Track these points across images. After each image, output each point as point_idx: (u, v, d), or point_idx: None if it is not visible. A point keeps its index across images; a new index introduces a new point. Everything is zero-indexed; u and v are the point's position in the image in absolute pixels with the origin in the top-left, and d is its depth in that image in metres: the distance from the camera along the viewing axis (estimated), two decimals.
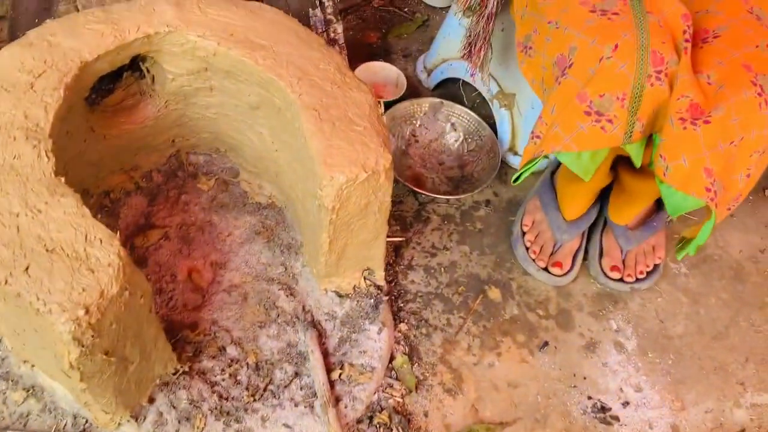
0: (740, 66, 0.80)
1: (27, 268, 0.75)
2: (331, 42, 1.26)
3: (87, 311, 0.73)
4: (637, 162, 0.87)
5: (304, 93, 0.96)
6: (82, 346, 0.75)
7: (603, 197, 1.23)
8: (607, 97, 0.80)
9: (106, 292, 0.75)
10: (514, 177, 0.96)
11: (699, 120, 0.78)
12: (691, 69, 0.79)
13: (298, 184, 1.09)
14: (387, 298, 1.12)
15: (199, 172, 1.25)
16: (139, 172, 1.21)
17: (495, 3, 1.11)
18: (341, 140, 0.92)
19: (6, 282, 0.74)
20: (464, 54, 1.20)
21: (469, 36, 1.17)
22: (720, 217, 0.85)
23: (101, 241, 0.78)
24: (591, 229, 1.25)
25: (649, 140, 0.85)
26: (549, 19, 0.88)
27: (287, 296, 1.12)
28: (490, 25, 1.14)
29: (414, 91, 1.46)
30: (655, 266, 1.24)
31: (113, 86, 1.13)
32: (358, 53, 1.45)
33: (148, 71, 1.11)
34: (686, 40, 0.80)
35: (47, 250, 0.77)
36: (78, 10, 1.19)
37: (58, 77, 0.92)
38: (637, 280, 1.22)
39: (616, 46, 0.79)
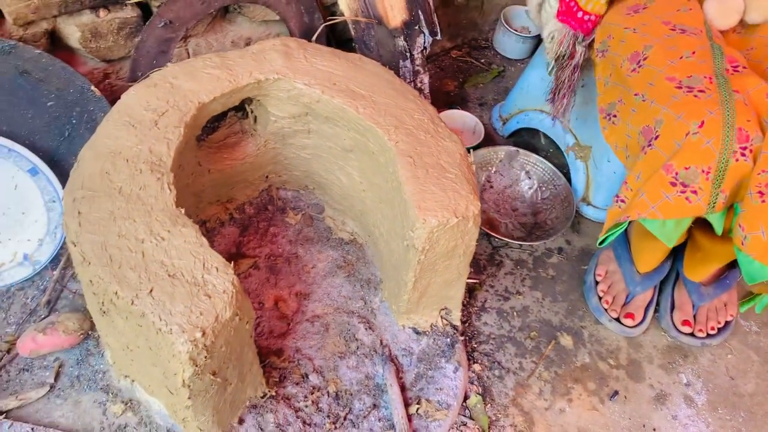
0: None
1: (151, 291, 0.82)
2: (419, 91, 1.33)
3: (204, 333, 0.79)
4: (719, 230, 0.90)
5: (400, 141, 1.02)
6: (196, 366, 0.81)
7: (676, 251, 1.25)
8: (692, 170, 0.84)
9: (220, 317, 0.81)
10: (599, 240, 0.99)
11: None
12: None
13: (383, 223, 1.15)
14: (462, 338, 1.16)
15: (287, 207, 1.32)
16: (233, 204, 1.28)
17: (581, 55, 1.16)
18: (434, 186, 0.97)
19: (132, 302, 0.81)
20: (549, 99, 1.24)
21: (555, 84, 1.22)
22: None
23: (217, 269, 0.85)
24: (663, 283, 1.27)
25: (730, 208, 0.88)
26: (636, 92, 0.92)
27: (366, 329, 1.17)
28: (575, 74, 1.19)
29: (489, 138, 1.51)
30: (727, 323, 1.24)
31: (218, 124, 1.21)
32: (437, 100, 1.51)
33: (251, 112, 1.19)
34: None
35: (169, 275, 0.83)
36: (189, 55, 1.29)
37: (179, 116, 1.00)
38: (708, 335, 1.23)
39: (702, 123, 0.83)
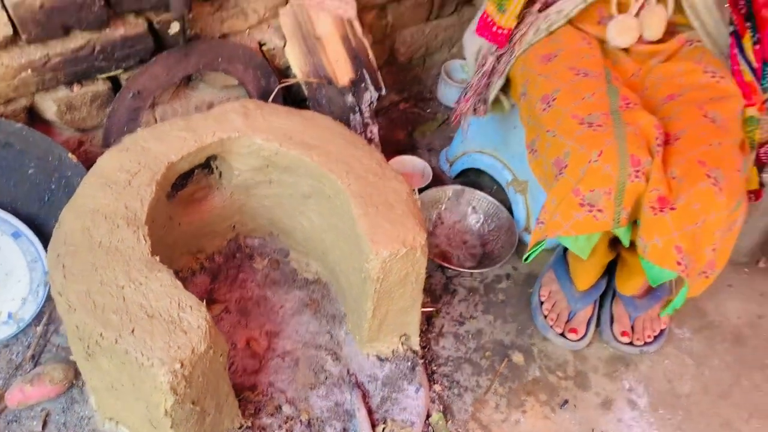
0: (696, 162, 0.97)
1: (132, 330, 0.90)
2: (369, 140, 1.45)
3: (182, 365, 0.88)
4: (625, 242, 1.03)
5: (352, 183, 1.13)
6: (177, 395, 0.89)
7: (611, 270, 1.37)
8: (596, 192, 0.97)
9: (196, 349, 0.90)
10: (524, 257, 1.12)
11: (666, 208, 0.95)
12: (662, 167, 0.97)
13: (343, 260, 1.25)
14: (422, 361, 1.25)
15: (254, 253, 1.42)
16: (203, 254, 1.38)
17: (491, 64, 1.29)
18: (384, 221, 1.08)
19: (116, 342, 0.90)
20: (456, 102, 1.38)
21: (468, 91, 1.35)
22: (697, 287, 1.01)
23: (191, 307, 0.94)
24: (602, 299, 1.39)
25: (634, 223, 1.01)
26: (547, 128, 1.06)
27: (334, 361, 1.25)
28: (483, 80, 1.32)
29: (438, 180, 1.64)
30: (661, 331, 1.36)
31: (186, 181, 1.32)
32: (389, 148, 1.64)
33: (216, 168, 1.30)
34: (658, 145, 0.98)
35: (148, 316, 0.92)
36: (156, 120, 1.40)
37: (150, 175, 1.11)
38: (646, 343, 1.34)
39: (601, 152, 0.97)
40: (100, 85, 1.26)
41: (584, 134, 1.00)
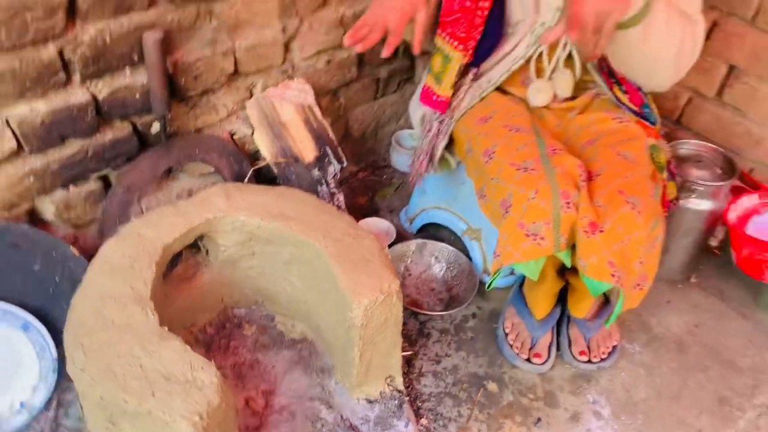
0: (616, 192, 1.18)
1: (153, 393, 1.02)
2: (337, 207, 1.62)
3: (201, 417, 1.00)
4: (567, 263, 1.21)
5: (329, 246, 1.29)
6: None
7: (564, 298, 1.54)
8: (537, 224, 1.16)
9: (212, 403, 1.02)
10: (487, 285, 1.29)
11: (596, 231, 1.14)
12: (588, 199, 1.17)
13: (327, 317, 1.39)
14: (407, 399, 1.39)
15: (242, 322, 1.54)
16: (196, 327, 1.50)
17: (436, 128, 1.49)
18: (361, 275, 1.24)
19: (140, 404, 1.01)
20: (410, 165, 1.56)
21: (419, 155, 1.54)
22: (633, 298, 1.19)
23: (202, 367, 1.07)
24: (559, 325, 1.55)
25: (573, 248, 1.20)
26: (492, 176, 1.26)
27: (327, 409, 1.37)
28: (432, 143, 1.50)
29: (401, 236, 1.81)
30: (614, 347, 1.53)
31: (177, 261, 1.45)
32: (354, 213, 1.79)
33: (203, 246, 1.44)
34: (582, 180, 1.18)
35: (165, 378, 1.05)
36: (142, 211, 1.55)
37: (149, 258, 1.24)
38: (602, 360, 1.50)
39: (537, 191, 1.17)
40: (93, 184, 1.40)
41: (522, 178, 1.20)
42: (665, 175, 1.35)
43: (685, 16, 1.23)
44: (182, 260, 1.45)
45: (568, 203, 1.15)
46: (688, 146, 1.69)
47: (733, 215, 1.67)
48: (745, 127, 1.75)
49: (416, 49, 1.31)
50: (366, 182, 2.02)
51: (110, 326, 1.12)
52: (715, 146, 1.68)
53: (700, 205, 1.61)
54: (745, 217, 1.68)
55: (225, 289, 1.50)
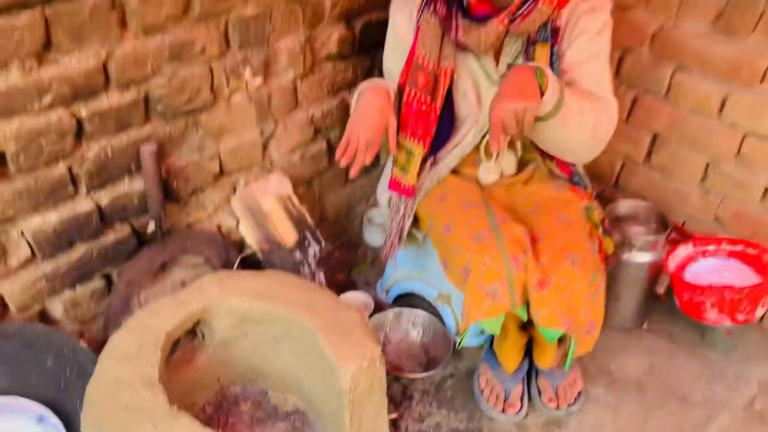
0: (558, 251, 1.37)
1: None
2: (320, 284, 1.78)
3: None
4: (524, 317, 1.39)
5: (315, 321, 1.44)
6: None
7: (530, 351, 1.70)
8: (494, 285, 1.34)
9: None
10: (458, 344, 1.45)
11: (544, 287, 1.32)
12: (534, 259, 1.35)
13: (317, 388, 1.52)
14: None
15: (238, 399, 1.66)
16: (196, 407, 1.61)
17: (402, 211, 1.67)
18: (346, 345, 1.39)
19: None
20: (383, 245, 1.73)
21: (387, 233, 1.71)
22: (585, 343, 1.36)
23: None
24: (528, 376, 1.71)
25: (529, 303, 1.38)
26: (452, 247, 1.44)
27: None
28: (400, 224, 1.67)
29: (379, 307, 1.97)
30: (579, 393, 1.69)
31: (176, 347, 1.58)
32: (333, 289, 1.95)
33: (200, 331, 1.57)
34: (528, 244, 1.37)
35: None
36: (140, 303, 1.68)
37: (154, 345, 1.38)
38: (569, 405, 1.65)
39: (491, 257, 1.35)
40: (97, 282, 1.55)
41: (476, 246, 1.39)
42: (600, 231, 1.55)
43: (597, 100, 1.47)
44: (181, 345, 1.58)
45: (517, 265, 1.33)
46: (626, 206, 1.91)
47: (672, 264, 1.87)
48: (673, 186, 1.98)
49: (393, 150, 1.51)
50: (343, 260, 2.19)
51: (124, 409, 1.24)
52: (648, 204, 1.90)
53: (641, 257, 1.82)
54: (683, 265, 1.88)
55: (221, 369, 1.63)
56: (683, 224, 2.00)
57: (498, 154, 1.55)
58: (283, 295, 1.51)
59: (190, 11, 1.44)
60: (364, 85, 1.59)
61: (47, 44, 1.24)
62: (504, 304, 1.33)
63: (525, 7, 1.43)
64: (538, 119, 1.36)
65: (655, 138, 1.96)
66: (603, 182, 2.11)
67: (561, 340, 1.50)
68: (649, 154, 1.99)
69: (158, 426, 1.21)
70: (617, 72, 1.94)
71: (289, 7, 1.64)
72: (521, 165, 1.66)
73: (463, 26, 1.47)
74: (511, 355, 1.64)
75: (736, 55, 1.70)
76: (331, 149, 1.99)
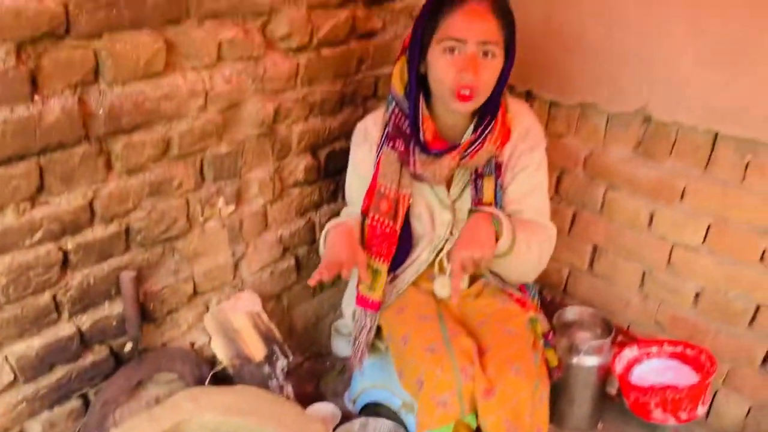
0: (503, 362, 1.50)
1: None
2: (287, 398, 1.87)
3: None
4: (473, 425, 1.49)
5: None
6: None
7: None
8: (445, 394, 1.45)
9: None
10: None
11: (491, 395, 1.44)
12: (482, 370, 1.48)
13: None
14: None
15: None
16: None
17: (367, 324, 1.78)
18: None
19: None
20: (351, 356, 1.83)
21: (355, 344, 1.82)
22: None
23: None
24: None
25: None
26: (407, 359, 1.56)
27: None
28: (368, 336, 1.77)
29: (346, 416, 2.05)
30: None
31: None
32: (302, 400, 2.04)
33: None
34: (476, 356, 1.50)
35: None
36: (115, 421, 1.75)
37: None
38: None
39: (442, 368, 1.48)
40: (74, 402, 1.62)
41: (429, 358, 1.51)
42: (542, 343, 1.69)
43: (541, 230, 1.67)
44: None
45: (466, 376, 1.46)
46: (572, 312, 2.06)
47: (619, 366, 2.00)
48: (616, 292, 2.14)
49: (364, 278, 1.66)
50: (312, 371, 2.28)
51: None
52: (593, 310, 2.06)
53: (589, 361, 1.95)
54: (629, 367, 2.01)
55: None
56: (628, 328, 2.15)
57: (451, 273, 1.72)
58: (253, 408, 1.61)
59: (170, 151, 1.61)
60: (331, 225, 1.77)
61: (40, 188, 1.39)
62: (454, 413, 1.44)
63: (474, 145, 1.64)
64: (494, 256, 1.57)
65: (595, 249, 2.15)
66: (553, 289, 2.28)
67: None
68: (591, 263, 2.17)
69: None
70: (557, 190, 2.15)
71: (259, 143, 1.83)
72: (473, 279, 1.82)
73: (420, 160, 1.67)
74: None
75: (657, 177, 1.92)
76: (299, 265, 2.13)
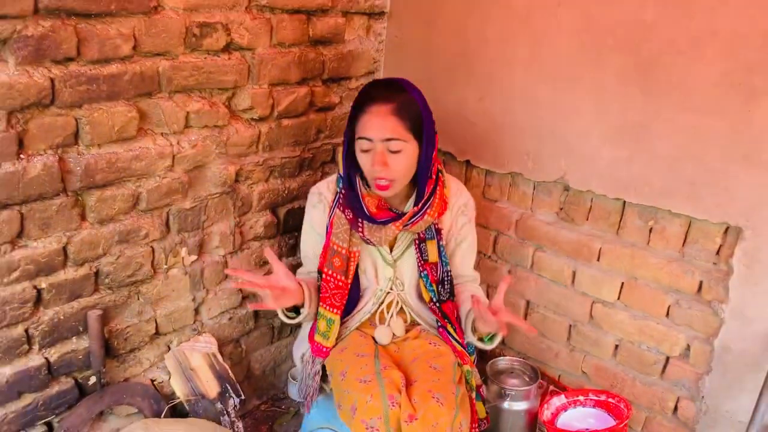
0: (426, 392, 1.67)
1: None
2: None
3: None
4: None
5: None
6: None
7: None
8: (373, 419, 1.61)
9: None
10: None
11: (413, 420, 1.61)
12: (408, 399, 1.65)
13: None
14: None
15: None
16: None
17: (316, 368, 1.94)
18: None
19: None
20: (302, 398, 1.99)
21: (305, 388, 1.98)
22: None
23: None
24: None
25: None
26: (344, 389, 1.73)
27: None
28: (315, 379, 1.94)
29: None
30: None
31: None
32: None
33: None
34: (403, 386, 1.68)
35: None
36: None
37: None
38: None
39: (372, 396, 1.65)
40: (39, 429, 1.78)
41: (362, 388, 1.68)
42: (474, 394, 1.87)
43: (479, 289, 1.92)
44: None
45: (393, 403, 1.63)
46: (504, 361, 2.24)
47: (548, 413, 2.16)
48: (547, 344, 2.33)
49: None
50: (268, 413, 2.43)
51: None
52: (523, 360, 2.24)
53: (516, 405, 2.12)
54: (557, 413, 2.17)
55: None
56: (559, 378, 2.32)
57: (391, 317, 1.93)
58: None
59: (138, 205, 1.83)
60: None
61: (20, 233, 1.60)
62: None
63: (416, 216, 1.86)
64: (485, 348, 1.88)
65: (528, 303, 2.34)
66: None
67: None
68: (525, 316, 2.36)
69: None
70: (494, 249, 2.36)
71: (221, 200, 2.06)
72: (410, 327, 2.01)
73: (368, 227, 1.89)
74: None
75: (576, 239, 2.14)
76: (257, 312, 2.32)
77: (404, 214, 1.87)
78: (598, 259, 2.11)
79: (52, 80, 1.54)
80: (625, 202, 2.01)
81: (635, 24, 1.84)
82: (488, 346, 1.88)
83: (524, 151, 2.18)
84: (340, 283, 1.92)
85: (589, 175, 2.05)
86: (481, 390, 1.96)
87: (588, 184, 2.06)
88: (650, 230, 1.98)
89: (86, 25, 1.58)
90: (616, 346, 2.16)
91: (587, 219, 2.12)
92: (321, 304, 1.93)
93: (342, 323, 2.00)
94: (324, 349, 1.94)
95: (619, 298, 2.10)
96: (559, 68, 2.03)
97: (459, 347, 1.93)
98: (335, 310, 1.93)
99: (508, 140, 2.21)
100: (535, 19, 2.05)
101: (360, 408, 1.65)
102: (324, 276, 1.93)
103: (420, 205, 1.86)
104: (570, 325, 2.25)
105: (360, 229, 1.88)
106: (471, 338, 1.90)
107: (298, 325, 2.21)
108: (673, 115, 1.83)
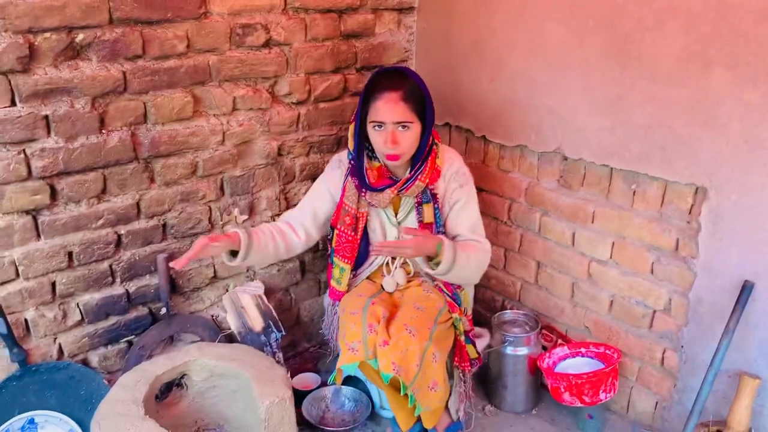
0: (402, 325, 1.96)
1: None
2: (278, 362, 2.42)
3: None
4: (375, 367, 1.96)
5: (252, 373, 2.08)
6: None
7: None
8: (354, 342, 1.94)
9: None
10: (330, 380, 2.04)
11: (386, 344, 1.91)
12: (385, 328, 1.95)
13: (252, 423, 2.12)
14: None
15: None
16: None
17: (336, 311, 2.30)
18: (268, 388, 2.00)
19: None
20: (328, 337, 2.35)
21: (329, 328, 2.34)
22: (431, 397, 1.92)
23: None
24: None
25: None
26: (342, 321, 2.07)
27: None
28: (335, 315, 2.30)
29: (323, 384, 2.56)
30: None
31: (168, 394, 2.24)
32: (300, 373, 2.59)
33: (184, 383, 2.24)
34: (383, 317, 1.99)
35: None
36: None
37: (145, 381, 2.05)
38: None
39: (355, 323, 1.97)
40: (121, 345, 2.27)
41: (350, 318, 2.02)
42: (463, 338, 2.14)
43: (476, 245, 2.15)
44: (171, 393, 2.25)
45: (371, 330, 1.95)
46: (509, 314, 2.47)
47: (549, 360, 2.38)
48: (554, 301, 2.53)
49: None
50: (314, 354, 2.82)
51: (117, 415, 1.91)
52: (526, 312, 2.46)
53: (518, 351, 2.35)
54: (558, 361, 2.38)
55: (198, 414, 2.26)
56: (566, 332, 2.52)
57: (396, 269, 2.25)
58: (238, 357, 2.17)
59: (197, 172, 2.27)
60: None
61: (104, 190, 2.08)
62: (359, 356, 1.93)
63: (408, 182, 2.16)
64: (438, 274, 2.08)
65: (538, 264, 2.56)
66: (509, 298, 2.69)
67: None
68: (536, 276, 2.57)
69: (135, 424, 1.86)
70: (508, 216, 2.60)
71: (267, 170, 2.46)
72: (413, 278, 2.31)
73: (369, 193, 2.21)
74: (401, 415, 2.17)
75: (574, 203, 2.33)
76: (303, 267, 2.71)
77: (399, 180, 2.17)
78: (593, 222, 2.29)
79: (124, 73, 2.01)
80: (612, 168, 2.18)
81: (610, 5, 2.02)
82: (434, 270, 2.08)
83: (528, 125, 2.40)
84: (350, 238, 2.26)
85: (580, 144, 2.24)
86: (470, 334, 2.22)
87: (579, 152, 2.25)
88: (633, 193, 2.14)
89: (149, 30, 2.03)
90: (611, 302, 2.32)
91: (582, 185, 2.30)
92: (335, 255, 2.28)
93: (356, 274, 2.34)
94: (337, 292, 2.29)
95: (611, 257, 2.27)
96: (552, 50, 2.23)
97: (448, 298, 2.21)
98: (346, 260, 2.27)
99: (515, 116, 2.44)
100: (530, 8, 2.27)
101: (347, 333, 1.99)
102: (337, 232, 2.27)
103: (412, 172, 2.15)
104: (572, 284, 2.44)
105: (364, 194, 2.21)
106: (425, 267, 2.13)
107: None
108: (645, 86, 1.99)
